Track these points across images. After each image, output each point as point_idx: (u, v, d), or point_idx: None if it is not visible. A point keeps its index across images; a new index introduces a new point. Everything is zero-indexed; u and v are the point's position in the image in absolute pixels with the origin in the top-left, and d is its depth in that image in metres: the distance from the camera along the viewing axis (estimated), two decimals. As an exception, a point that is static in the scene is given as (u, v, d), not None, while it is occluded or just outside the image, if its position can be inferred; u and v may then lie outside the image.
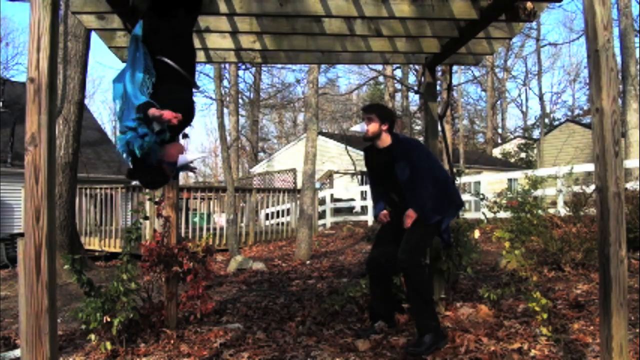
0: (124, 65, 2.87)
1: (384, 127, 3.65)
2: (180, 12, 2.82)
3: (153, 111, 2.43)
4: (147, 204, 8.18)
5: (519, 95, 53.15)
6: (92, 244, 11.20)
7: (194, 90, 2.87)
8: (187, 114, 2.73)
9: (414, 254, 3.47)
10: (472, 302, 4.35)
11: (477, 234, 4.93)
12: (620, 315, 2.11)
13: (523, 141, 28.95)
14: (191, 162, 2.74)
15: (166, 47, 2.67)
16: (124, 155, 2.55)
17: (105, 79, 47.03)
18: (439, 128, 4.58)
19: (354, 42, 4.18)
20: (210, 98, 17.72)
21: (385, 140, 3.69)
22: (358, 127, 3.79)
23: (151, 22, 2.67)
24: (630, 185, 8.35)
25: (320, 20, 3.69)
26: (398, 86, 21.58)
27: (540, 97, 24.49)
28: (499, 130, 35.92)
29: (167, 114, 2.42)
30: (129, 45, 2.70)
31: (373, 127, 3.64)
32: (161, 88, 2.58)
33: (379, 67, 19.53)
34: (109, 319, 3.52)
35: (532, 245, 5.88)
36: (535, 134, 29.74)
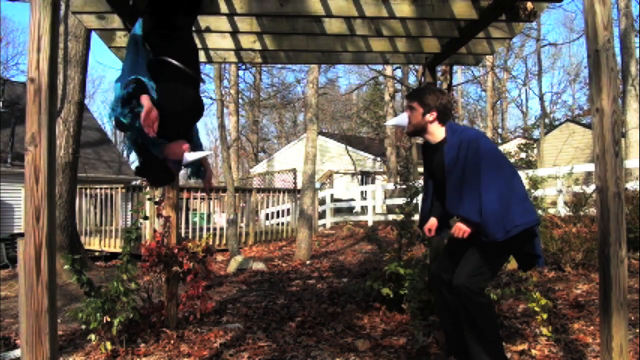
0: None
1: (430, 117, 2.81)
2: (181, 9, 2.81)
3: (144, 100, 2.34)
4: (147, 204, 8.19)
5: (519, 95, 53.30)
6: (92, 244, 11.20)
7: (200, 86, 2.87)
8: (195, 112, 2.72)
9: (473, 279, 2.64)
10: (472, 302, 4.34)
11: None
12: (620, 315, 2.11)
13: (523, 141, 28.89)
14: (197, 159, 2.71)
15: (169, 45, 2.65)
16: (127, 143, 2.55)
17: (105, 79, 47.07)
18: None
19: (354, 42, 4.18)
20: (211, 98, 17.70)
21: (437, 133, 2.84)
22: (393, 121, 3.10)
23: (152, 20, 2.66)
24: (630, 185, 8.34)
25: (321, 21, 3.69)
26: (398, 86, 21.55)
27: (540, 97, 24.41)
28: (499, 130, 35.87)
29: (145, 117, 2.30)
30: (128, 45, 2.68)
31: (415, 118, 2.84)
32: (167, 88, 2.57)
33: (379, 67, 19.52)
34: (109, 319, 3.52)
35: (532, 245, 5.87)
36: (535, 134, 29.69)
